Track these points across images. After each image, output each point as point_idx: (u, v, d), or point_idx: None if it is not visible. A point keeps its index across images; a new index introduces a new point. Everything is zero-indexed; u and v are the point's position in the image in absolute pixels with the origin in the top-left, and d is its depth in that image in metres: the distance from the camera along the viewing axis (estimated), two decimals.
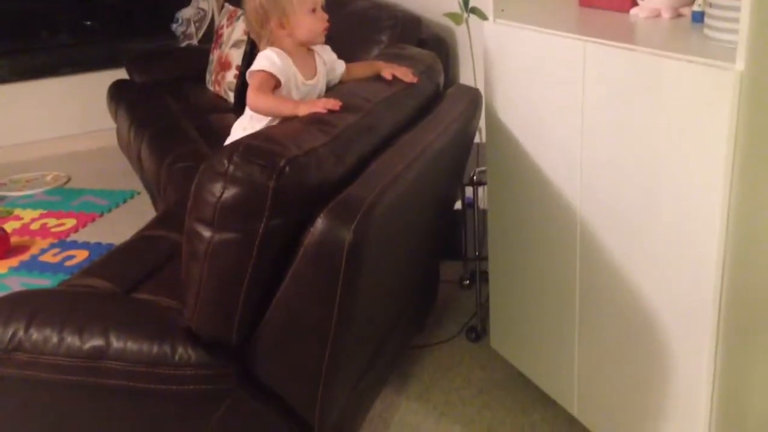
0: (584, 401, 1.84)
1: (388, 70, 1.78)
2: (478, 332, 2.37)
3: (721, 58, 1.29)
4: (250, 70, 1.64)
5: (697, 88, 1.32)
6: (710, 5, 1.41)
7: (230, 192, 1.28)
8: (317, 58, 1.75)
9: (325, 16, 1.69)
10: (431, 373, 2.23)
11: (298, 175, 1.30)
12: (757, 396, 1.50)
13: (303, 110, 1.55)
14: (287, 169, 1.29)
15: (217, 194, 1.29)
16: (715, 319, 1.40)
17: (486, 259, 2.15)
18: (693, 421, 1.51)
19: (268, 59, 1.63)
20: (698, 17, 1.56)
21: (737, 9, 1.24)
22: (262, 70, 1.62)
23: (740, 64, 1.23)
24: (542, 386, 2.01)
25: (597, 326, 1.73)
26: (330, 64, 1.79)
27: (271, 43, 1.67)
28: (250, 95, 1.62)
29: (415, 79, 1.78)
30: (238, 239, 1.31)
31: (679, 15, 1.67)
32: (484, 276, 2.23)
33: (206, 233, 1.32)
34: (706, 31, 1.44)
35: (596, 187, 1.63)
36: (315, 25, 1.68)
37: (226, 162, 1.29)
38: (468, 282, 2.68)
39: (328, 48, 1.79)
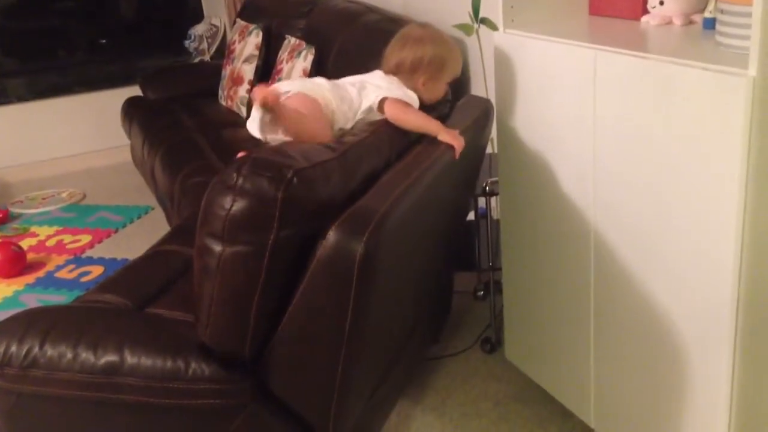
0: (601, 412, 1.82)
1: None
2: (492, 343, 2.36)
3: (733, 64, 1.28)
4: (396, 96, 1.69)
5: (709, 95, 1.31)
6: (722, 12, 1.40)
7: (239, 204, 1.29)
8: None
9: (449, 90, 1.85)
10: (447, 385, 2.22)
11: (306, 187, 1.31)
12: None
13: (444, 134, 1.66)
14: (295, 180, 1.29)
15: (227, 207, 1.29)
16: (732, 327, 1.38)
17: (500, 269, 2.14)
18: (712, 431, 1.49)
19: (413, 101, 1.73)
20: (710, 24, 1.55)
21: (749, 15, 1.23)
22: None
23: (753, 70, 1.22)
24: (559, 398, 1.99)
25: (613, 336, 1.71)
26: None
27: (409, 86, 1.75)
28: (400, 106, 1.68)
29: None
30: (248, 252, 1.31)
31: (691, 22, 1.66)
32: (498, 287, 2.22)
33: (217, 247, 1.32)
34: (718, 37, 1.43)
35: (609, 195, 1.62)
36: (441, 94, 1.82)
37: (235, 175, 1.29)
38: (482, 293, 2.67)
39: None
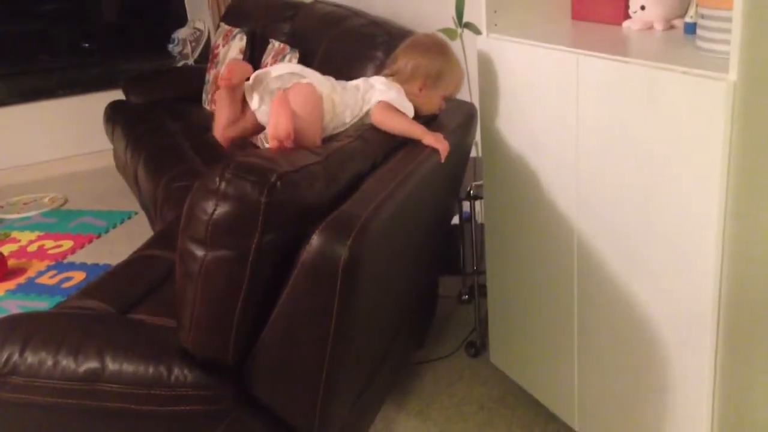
0: (585, 415, 1.82)
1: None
2: (477, 347, 2.36)
3: (714, 68, 1.29)
4: (390, 100, 1.69)
5: (690, 99, 1.32)
6: (702, 17, 1.41)
7: (222, 209, 1.27)
8: None
9: (444, 105, 1.83)
10: (431, 390, 2.22)
11: (290, 191, 1.30)
12: (759, 407, 1.49)
13: (428, 137, 1.66)
14: (279, 184, 1.28)
15: (210, 212, 1.28)
16: (714, 331, 1.39)
17: (484, 273, 2.14)
18: None
19: (408, 111, 1.73)
20: (691, 29, 1.56)
21: (729, 20, 1.24)
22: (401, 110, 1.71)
23: (733, 75, 1.23)
24: (543, 401, 1.99)
25: (596, 340, 1.72)
26: None
27: (406, 92, 1.76)
28: (386, 110, 1.68)
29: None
30: (231, 256, 1.30)
31: (672, 27, 1.67)
32: (483, 291, 2.22)
33: (199, 252, 1.31)
34: (699, 42, 1.44)
35: (592, 199, 1.63)
36: (435, 107, 1.81)
37: (217, 179, 1.28)
38: (467, 297, 2.67)
39: None
